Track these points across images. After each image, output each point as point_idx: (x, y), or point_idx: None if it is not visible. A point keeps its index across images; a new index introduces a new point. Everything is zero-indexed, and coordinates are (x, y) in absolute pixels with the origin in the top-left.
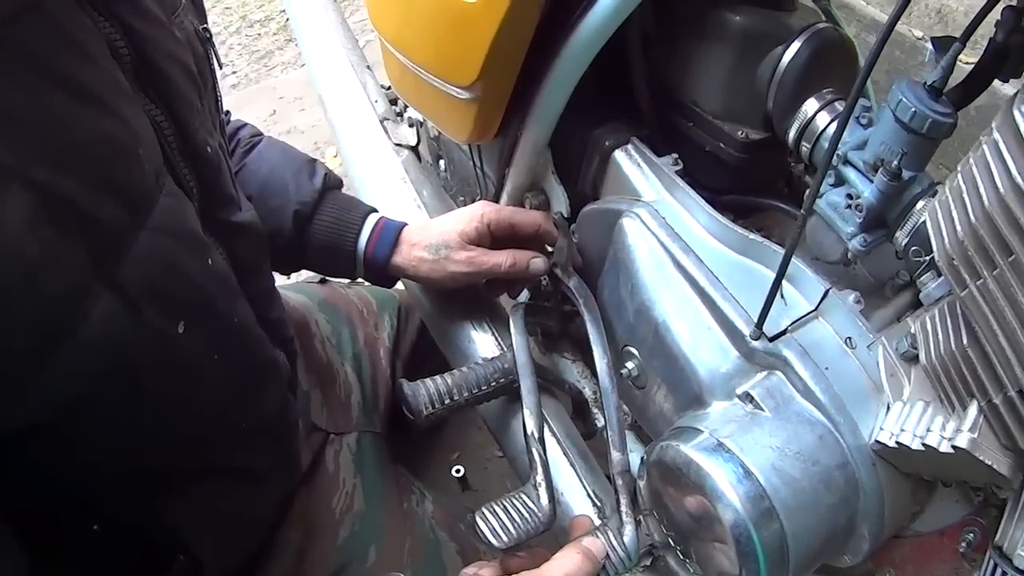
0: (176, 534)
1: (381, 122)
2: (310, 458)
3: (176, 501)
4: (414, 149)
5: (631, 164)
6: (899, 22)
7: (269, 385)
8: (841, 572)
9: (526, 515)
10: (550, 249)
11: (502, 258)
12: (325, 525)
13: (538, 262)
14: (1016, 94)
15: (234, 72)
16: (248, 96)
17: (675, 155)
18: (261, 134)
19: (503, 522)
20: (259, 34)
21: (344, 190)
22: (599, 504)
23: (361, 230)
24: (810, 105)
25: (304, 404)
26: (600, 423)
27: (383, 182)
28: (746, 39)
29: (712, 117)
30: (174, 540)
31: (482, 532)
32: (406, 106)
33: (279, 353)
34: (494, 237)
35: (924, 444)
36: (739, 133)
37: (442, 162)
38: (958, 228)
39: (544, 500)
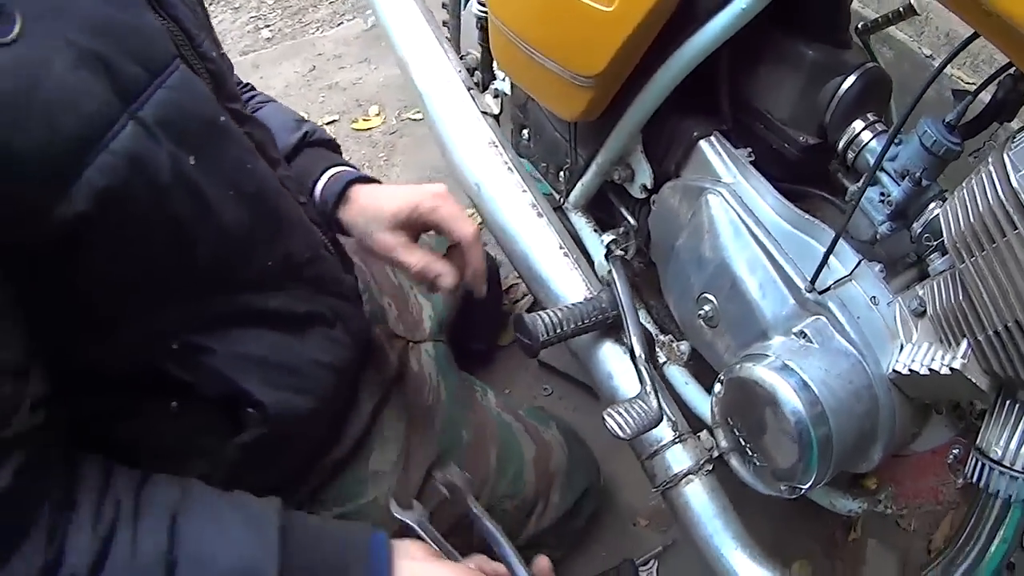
0: (235, 385)
1: (468, 91)
2: (396, 361)
3: (228, 349)
4: (496, 118)
5: (713, 152)
6: (910, 39)
7: (294, 236)
8: (857, 492)
9: (641, 415)
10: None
11: (414, 259)
12: (423, 415)
13: (446, 280)
14: (1007, 139)
15: (267, 26)
16: (285, 51)
17: (749, 148)
18: (270, 99)
19: (625, 419)
20: None
21: (435, 153)
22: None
23: (318, 180)
24: (858, 124)
25: (380, 314)
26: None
27: (473, 145)
28: (814, 67)
29: (780, 123)
30: (238, 394)
31: (610, 426)
32: (489, 78)
33: (309, 222)
34: (423, 229)
35: (930, 369)
36: (800, 138)
37: (525, 132)
38: (962, 222)
39: (654, 404)
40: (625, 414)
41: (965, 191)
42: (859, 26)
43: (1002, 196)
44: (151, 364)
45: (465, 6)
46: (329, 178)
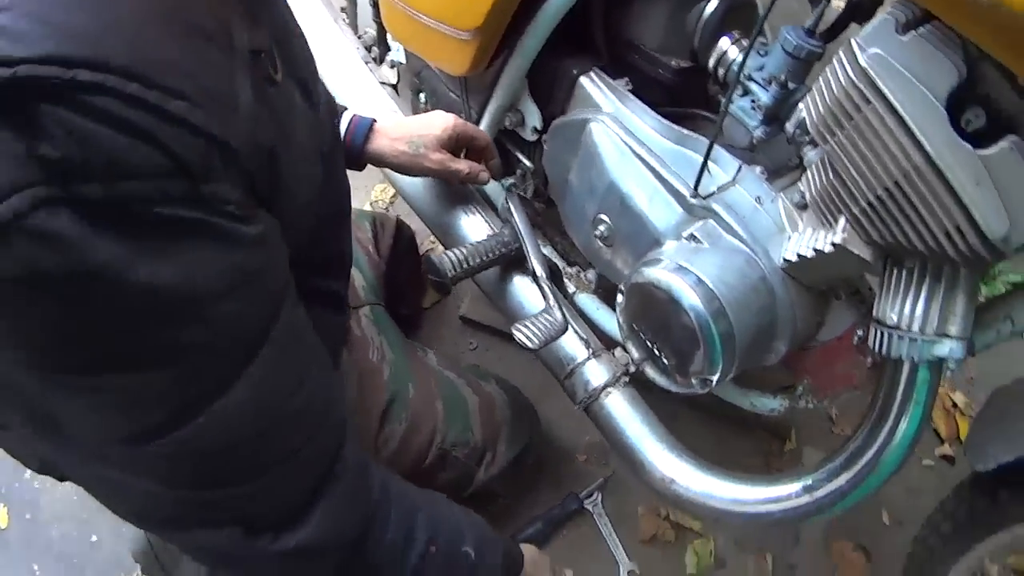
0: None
1: (366, 64)
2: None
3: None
4: (394, 87)
5: (593, 86)
6: None
7: (346, 218)
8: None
9: (547, 326)
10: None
11: (463, 166)
12: (371, 369)
13: (484, 175)
14: (859, 34)
15: None
16: None
17: (626, 78)
18: None
19: (532, 331)
20: None
21: None
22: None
23: (338, 121)
24: (724, 42)
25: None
26: (570, 289)
27: (376, 116)
28: None
29: (653, 51)
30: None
31: (520, 338)
32: (385, 51)
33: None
34: (458, 146)
35: (815, 250)
36: (673, 62)
37: (422, 95)
38: (821, 108)
39: (558, 315)
40: (532, 326)
41: (821, 80)
42: None
43: (853, 77)
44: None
45: None
46: (351, 121)
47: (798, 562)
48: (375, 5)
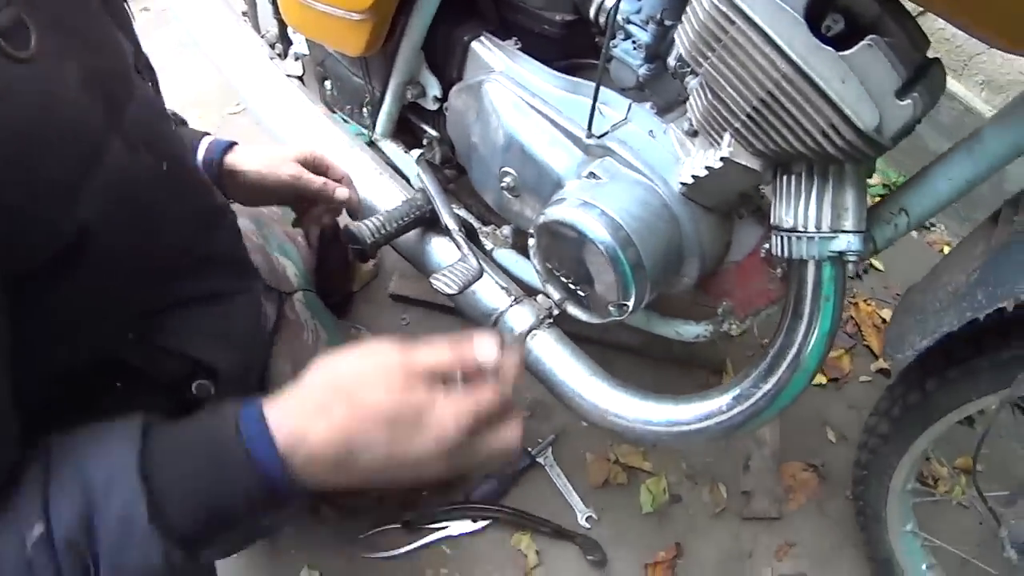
0: (188, 358)
1: (271, 60)
2: (275, 312)
3: (179, 329)
4: (300, 79)
5: (484, 49)
6: None
7: (221, 227)
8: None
9: (463, 272)
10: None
11: (319, 180)
12: (306, 354)
13: (342, 191)
14: None
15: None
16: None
17: (515, 38)
18: None
19: (450, 278)
20: None
21: (255, 124)
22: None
23: (198, 145)
24: None
25: (255, 274)
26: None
27: (288, 108)
28: None
29: (538, 9)
30: (192, 367)
31: (439, 287)
32: (288, 46)
33: (227, 205)
34: (315, 169)
35: (707, 168)
36: (557, 17)
37: (327, 83)
38: (691, 34)
39: (472, 262)
40: (449, 274)
41: (688, 9)
42: None
43: (715, 1)
44: (108, 355)
45: None
46: (209, 143)
47: (752, 487)
48: (274, 2)
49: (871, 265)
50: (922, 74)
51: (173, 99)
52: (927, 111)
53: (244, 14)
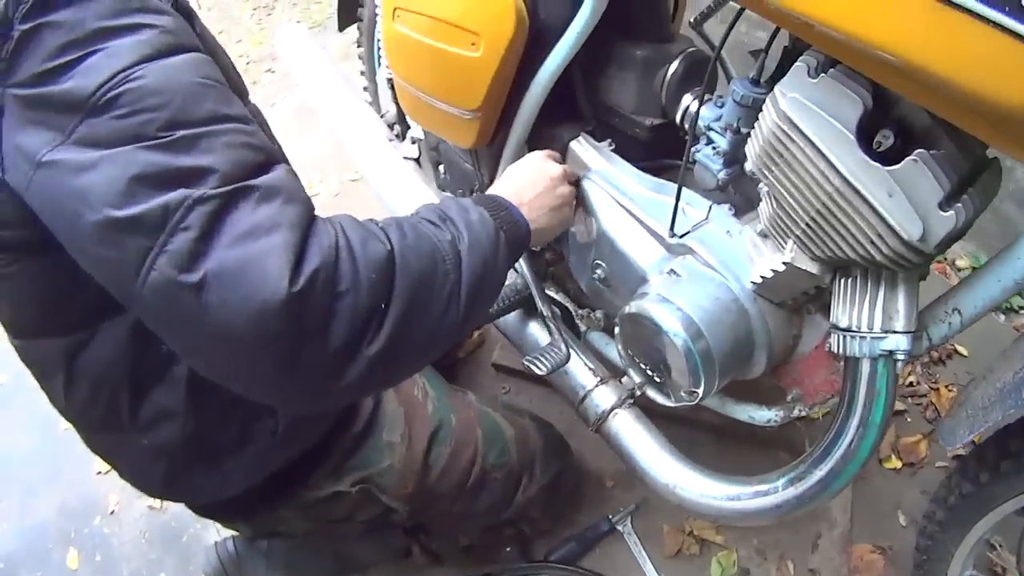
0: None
1: (390, 142)
2: None
3: None
4: (416, 160)
5: (582, 149)
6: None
7: None
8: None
9: (553, 356)
10: None
11: None
12: (416, 403)
13: None
14: (780, 82)
15: None
16: None
17: (609, 140)
18: None
19: (541, 361)
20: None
21: (378, 207)
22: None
23: None
24: (687, 98)
25: None
26: (582, 328)
27: (402, 189)
28: (644, 63)
29: (630, 113)
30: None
31: (529, 367)
32: (406, 128)
33: None
34: None
35: (773, 271)
36: (647, 121)
37: (441, 167)
38: (758, 149)
39: (562, 347)
40: (541, 357)
41: (756, 123)
42: (691, 20)
43: (777, 120)
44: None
45: (378, 71)
46: None
47: (818, 566)
48: (392, 88)
49: (955, 350)
50: (976, 177)
51: (294, 161)
52: (979, 214)
53: (365, 89)
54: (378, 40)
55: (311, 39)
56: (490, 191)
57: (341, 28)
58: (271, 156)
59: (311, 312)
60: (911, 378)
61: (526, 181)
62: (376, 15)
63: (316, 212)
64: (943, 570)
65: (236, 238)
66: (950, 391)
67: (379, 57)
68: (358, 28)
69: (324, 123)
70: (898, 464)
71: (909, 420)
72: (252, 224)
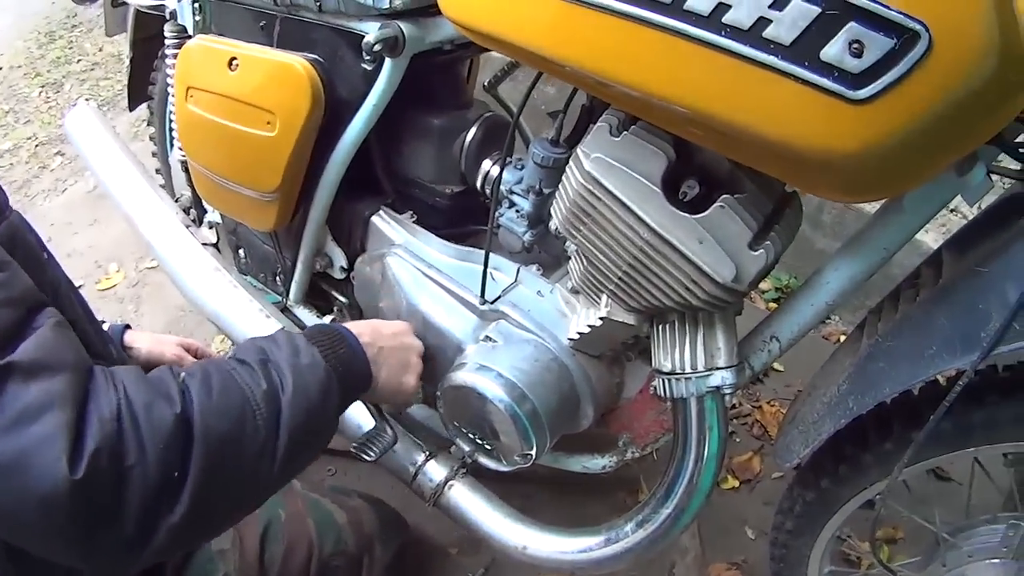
0: None
1: (187, 228)
2: None
3: None
4: (215, 246)
5: (383, 223)
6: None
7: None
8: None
9: (380, 439)
10: None
11: (190, 361)
12: None
13: None
14: (582, 142)
15: None
16: None
17: (411, 211)
18: None
19: (368, 447)
20: (11, 164)
21: (178, 294)
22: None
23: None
24: (486, 163)
25: None
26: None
27: (201, 277)
28: (442, 132)
29: (430, 183)
30: None
31: (359, 455)
32: (203, 212)
33: None
34: (195, 356)
35: (589, 326)
36: (447, 189)
37: (241, 251)
38: (564, 209)
39: (387, 429)
40: (367, 443)
41: (560, 185)
42: (485, 83)
43: (582, 180)
44: None
45: (171, 153)
46: (109, 327)
47: None
48: (187, 170)
49: (772, 367)
50: (778, 216)
51: (88, 250)
52: (785, 248)
53: (157, 171)
54: (171, 120)
55: (102, 120)
56: (348, 324)
57: (132, 107)
58: (32, 304)
59: (99, 495)
60: (733, 400)
61: (389, 330)
62: (168, 93)
63: (91, 364)
64: (802, 572)
65: (3, 430)
66: (772, 406)
67: (172, 138)
68: (148, 107)
69: (118, 210)
70: (736, 483)
71: (738, 440)
72: (19, 410)
